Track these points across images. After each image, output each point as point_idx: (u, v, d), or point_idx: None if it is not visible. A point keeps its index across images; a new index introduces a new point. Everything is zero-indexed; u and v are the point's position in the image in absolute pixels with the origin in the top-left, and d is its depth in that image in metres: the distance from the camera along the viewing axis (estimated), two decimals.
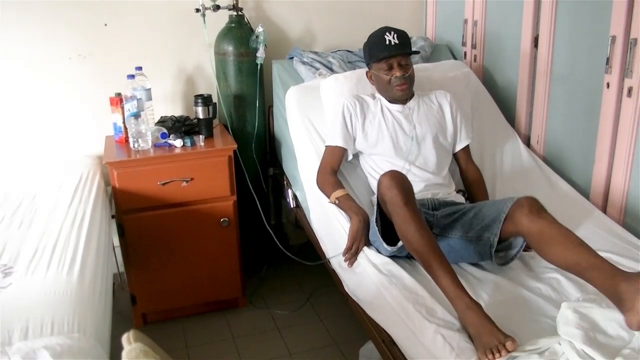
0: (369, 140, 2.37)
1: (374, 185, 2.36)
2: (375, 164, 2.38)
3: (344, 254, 2.12)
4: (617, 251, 2.10)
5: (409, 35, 3.16)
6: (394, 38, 2.30)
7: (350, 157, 2.44)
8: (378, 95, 2.44)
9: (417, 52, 2.41)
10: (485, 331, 1.61)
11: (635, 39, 2.09)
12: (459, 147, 2.48)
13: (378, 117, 2.38)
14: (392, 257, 2.04)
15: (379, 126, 2.36)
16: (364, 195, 2.42)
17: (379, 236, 2.02)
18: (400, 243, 1.96)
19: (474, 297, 1.75)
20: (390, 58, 2.31)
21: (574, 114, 2.49)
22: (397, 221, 1.90)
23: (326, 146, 2.44)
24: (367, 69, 2.48)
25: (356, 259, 2.10)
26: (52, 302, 1.68)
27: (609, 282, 1.62)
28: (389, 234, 2.00)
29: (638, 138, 2.16)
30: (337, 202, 2.26)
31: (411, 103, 2.40)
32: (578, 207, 2.38)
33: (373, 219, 2.08)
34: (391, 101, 2.40)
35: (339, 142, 2.39)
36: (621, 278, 1.60)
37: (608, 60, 2.21)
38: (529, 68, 2.67)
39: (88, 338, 1.57)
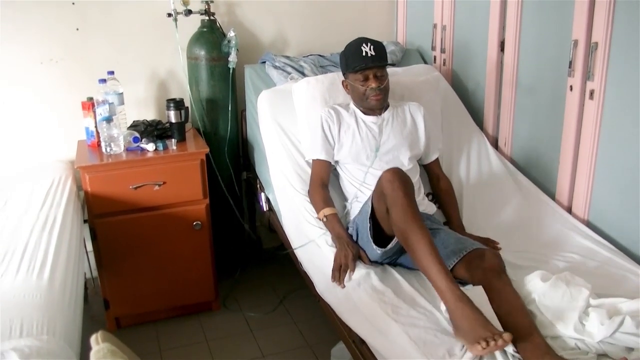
0: (344, 148, 2.39)
1: (348, 192, 2.40)
2: (349, 172, 2.40)
3: (332, 277, 2.08)
4: (581, 251, 2.17)
5: (380, 40, 3.22)
6: (370, 49, 2.32)
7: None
8: (352, 106, 2.47)
9: (392, 65, 2.44)
10: (478, 324, 1.63)
11: (596, 43, 2.15)
12: (430, 159, 2.54)
13: (352, 127, 2.40)
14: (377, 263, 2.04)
15: (352, 135, 2.39)
16: (337, 202, 2.42)
17: (370, 237, 2.02)
18: (391, 244, 1.99)
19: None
20: (366, 69, 2.34)
21: (539, 117, 2.55)
22: (395, 212, 1.90)
23: (313, 160, 2.45)
24: (342, 77, 2.50)
25: (346, 276, 2.05)
26: (22, 305, 1.68)
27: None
28: (378, 239, 2.03)
29: (600, 139, 2.22)
30: (325, 219, 2.27)
31: (385, 114, 2.43)
32: (544, 208, 2.44)
33: (365, 223, 2.09)
34: (366, 112, 2.43)
35: (322, 155, 2.41)
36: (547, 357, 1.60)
37: (571, 64, 2.27)
38: (496, 71, 2.73)
39: (57, 340, 1.57)
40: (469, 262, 1.94)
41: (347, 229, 2.25)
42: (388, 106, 2.45)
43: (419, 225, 1.86)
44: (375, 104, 2.37)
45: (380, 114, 2.42)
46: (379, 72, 2.35)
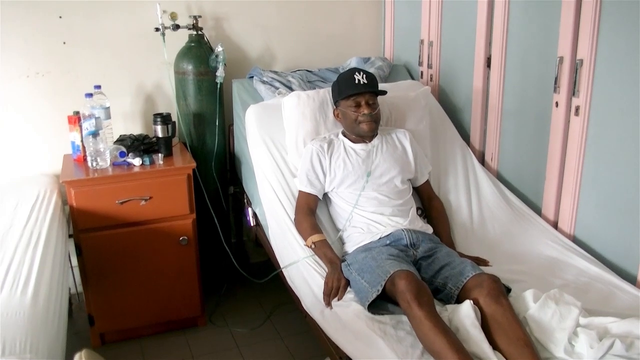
0: (337, 177, 2.40)
1: (341, 217, 2.39)
2: (341, 198, 2.40)
3: (324, 299, 2.06)
4: (569, 267, 2.18)
5: (367, 55, 3.22)
6: (362, 78, 2.39)
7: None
8: (341, 136, 2.49)
9: (384, 92, 2.46)
10: None
11: (582, 60, 2.17)
12: (420, 182, 2.56)
13: (342, 155, 2.42)
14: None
15: (343, 163, 2.40)
16: (326, 229, 2.41)
17: (364, 284, 1.97)
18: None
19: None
20: (358, 96, 2.38)
21: (525, 132, 2.57)
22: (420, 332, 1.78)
23: (300, 190, 2.44)
24: (334, 107, 2.55)
25: (336, 297, 2.03)
26: (5, 323, 1.67)
27: None
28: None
29: (586, 155, 2.24)
30: (313, 246, 2.25)
31: (375, 141, 2.46)
32: (531, 223, 2.45)
33: (354, 274, 2.06)
34: (355, 140, 2.45)
35: (307, 188, 2.41)
36: None
37: (556, 80, 2.29)
38: (482, 87, 2.74)
39: (40, 358, 1.56)
40: (471, 289, 1.91)
41: (342, 259, 2.22)
42: (377, 134, 2.48)
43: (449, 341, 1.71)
44: (367, 130, 2.40)
45: (369, 142, 2.45)
46: (371, 100, 2.40)
